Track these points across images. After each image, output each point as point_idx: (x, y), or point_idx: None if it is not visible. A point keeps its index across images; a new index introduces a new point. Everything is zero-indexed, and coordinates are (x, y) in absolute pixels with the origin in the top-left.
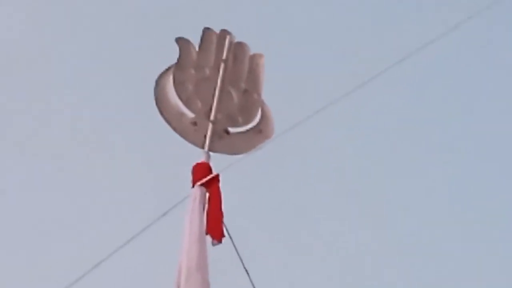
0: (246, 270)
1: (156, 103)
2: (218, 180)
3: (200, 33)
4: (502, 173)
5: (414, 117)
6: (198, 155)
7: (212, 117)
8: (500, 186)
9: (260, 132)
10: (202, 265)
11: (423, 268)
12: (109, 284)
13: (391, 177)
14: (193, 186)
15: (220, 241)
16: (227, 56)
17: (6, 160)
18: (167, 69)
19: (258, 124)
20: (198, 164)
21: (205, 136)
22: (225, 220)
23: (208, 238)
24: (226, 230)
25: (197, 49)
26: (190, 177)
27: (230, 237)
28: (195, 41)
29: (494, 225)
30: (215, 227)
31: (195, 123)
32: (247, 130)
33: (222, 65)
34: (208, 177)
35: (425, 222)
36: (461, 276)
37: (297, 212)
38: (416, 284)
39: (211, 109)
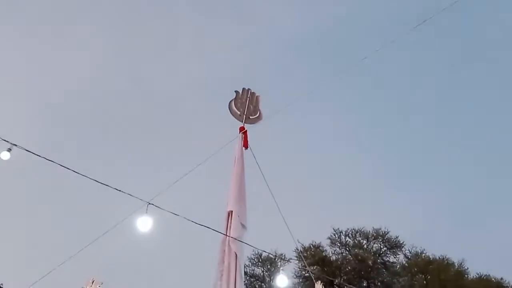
0: (258, 164)
1: (229, 110)
2: (246, 131)
3: (240, 89)
4: None
5: None
6: (240, 124)
7: (245, 113)
8: None
9: (259, 117)
10: (241, 165)
11: None
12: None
13: None
14: (239, 133)
15: (246, 148)
16: (247, 96)
17: None
18: (232, 100)
19: (258, 115)
20: (241, 127)
21: (243, 118)
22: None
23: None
24: (249, 145)
25: (240, 94)
26: (238, 130)
27: (250, 149)
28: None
29: None
30: (245, 144)
31: (240, 115)
32: (255, 117)
33: (247, 100)
34: (243, 130)
35: None
36: None
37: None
38: None
39: (245, 111)
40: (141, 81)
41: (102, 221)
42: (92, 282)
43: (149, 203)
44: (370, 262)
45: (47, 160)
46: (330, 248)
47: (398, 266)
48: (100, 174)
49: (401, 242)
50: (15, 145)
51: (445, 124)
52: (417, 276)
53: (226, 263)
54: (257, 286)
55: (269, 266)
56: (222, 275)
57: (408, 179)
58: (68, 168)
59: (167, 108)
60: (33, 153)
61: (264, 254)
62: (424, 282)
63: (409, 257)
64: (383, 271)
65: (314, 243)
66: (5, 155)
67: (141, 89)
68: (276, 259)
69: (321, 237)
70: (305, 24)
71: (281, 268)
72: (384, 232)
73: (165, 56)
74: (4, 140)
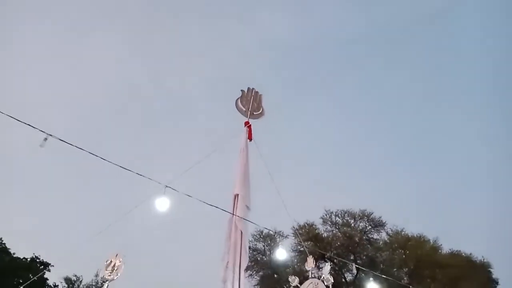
0: (261, 154)
1: (236, 106)
2: (251, 125)
3: (246, 88)
4: None
5: None
6: (245, 119)
7: (250, 109)
8: None
9: (261, 113)
10: (246, 155)
11: None
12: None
13: None
14: (244, 126)
15: (251, 140)
16: (251, 95)
17: None
18: (238, 98)
19: (261, 112)
20: (246, 121)
21: (248, 114)
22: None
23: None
24: (253, 137)
25: (245, 93)
26: (243, 124)
27: (254, 140)
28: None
29: None
30: (249, 136)
31: (245, 111)
32: (259, 113)
33: (252, 98)
34: (248, 125)
35: None
36: None
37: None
38: None
39: (249, 107)
40: (160, 80)
41: (124, 202)
42: (116, 256)
43: (167, 186)
44: (356, 239)
45: (77, 148)
46: (322, 226)
47: (380, 243)
48: (124, 161)
49: (383, 221)
50: (51, 135)
51: (424, 117)
52: (397, 252)
53: (233, 239)
54: (258, 258)
55: (269, 242)
56: (229, 249)
57: (393, 166)
58: (97, 155)
59: (183, 104)
60: (66, 142)
61: (265, 231)
62: (403, 256)
63: (391, 234)
64: (368, 247)
65: (308, 222)
66: (42, 144)
67: (159, 87)
68: (276, 236)
69: (315, 217)
70: (306, 27)
71: (280, 243)
72: (369, 213)
73: (180, 59)
74: (41, 131)
